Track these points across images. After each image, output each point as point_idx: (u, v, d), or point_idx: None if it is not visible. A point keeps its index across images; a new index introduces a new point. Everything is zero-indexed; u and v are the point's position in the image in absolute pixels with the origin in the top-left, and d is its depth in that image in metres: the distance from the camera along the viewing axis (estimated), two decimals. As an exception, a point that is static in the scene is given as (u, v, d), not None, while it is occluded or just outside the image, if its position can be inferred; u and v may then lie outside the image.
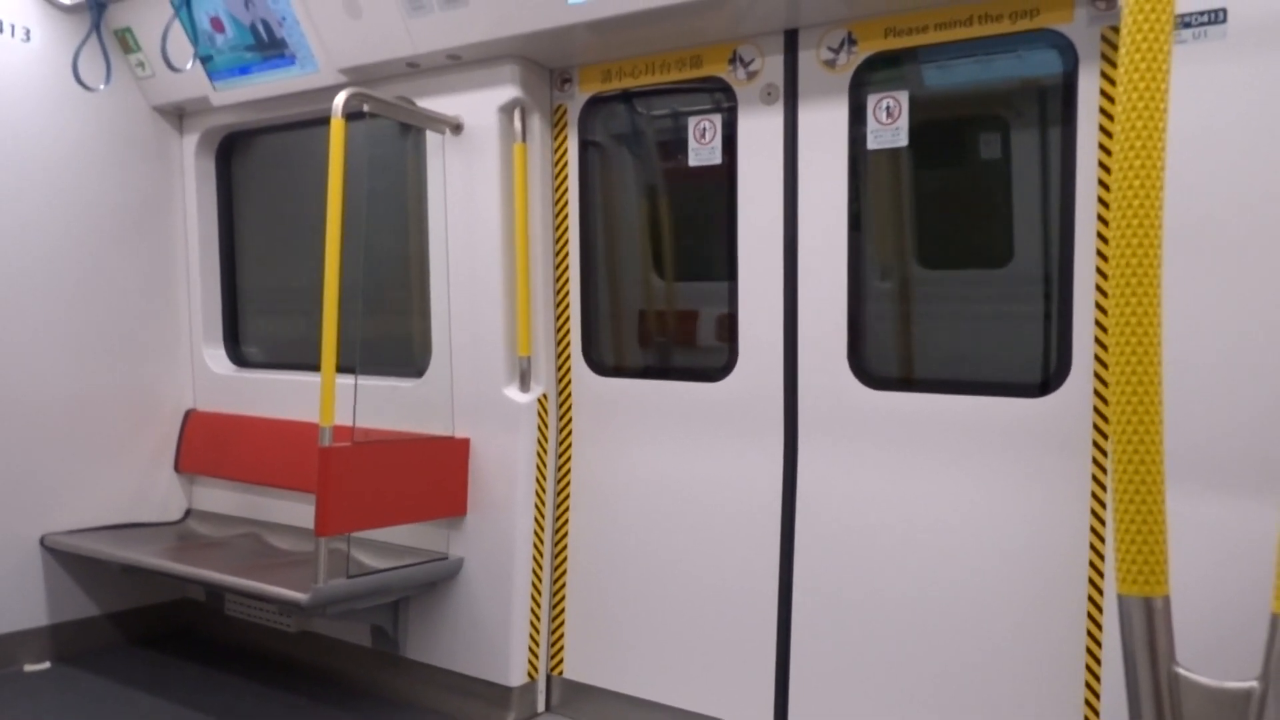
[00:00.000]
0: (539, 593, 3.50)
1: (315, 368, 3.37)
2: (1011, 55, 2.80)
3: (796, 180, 3.06)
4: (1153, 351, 1.69)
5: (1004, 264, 2.90)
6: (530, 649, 3.47)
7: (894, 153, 2.98)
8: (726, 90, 3.20)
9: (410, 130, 3.81)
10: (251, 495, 4.25)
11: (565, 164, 3.55)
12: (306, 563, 3.57)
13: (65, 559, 4.05)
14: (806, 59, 3.04)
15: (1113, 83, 2.55)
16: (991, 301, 2.92)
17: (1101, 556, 2.58)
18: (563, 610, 3.55)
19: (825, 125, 3.00)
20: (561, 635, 3.54)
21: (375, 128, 3.79)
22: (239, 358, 4.53)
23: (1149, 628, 1.75)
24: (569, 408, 3.58)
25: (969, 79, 2.90)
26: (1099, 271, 2.59)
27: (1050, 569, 2.66)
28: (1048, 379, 2.73)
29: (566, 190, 3.56)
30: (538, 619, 3.50)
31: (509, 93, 3.39)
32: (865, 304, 3.03)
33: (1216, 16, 2.23)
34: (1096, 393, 2.60)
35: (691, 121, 3.31)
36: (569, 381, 3.58)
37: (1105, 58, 2.57)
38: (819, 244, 3.02)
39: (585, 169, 3.54)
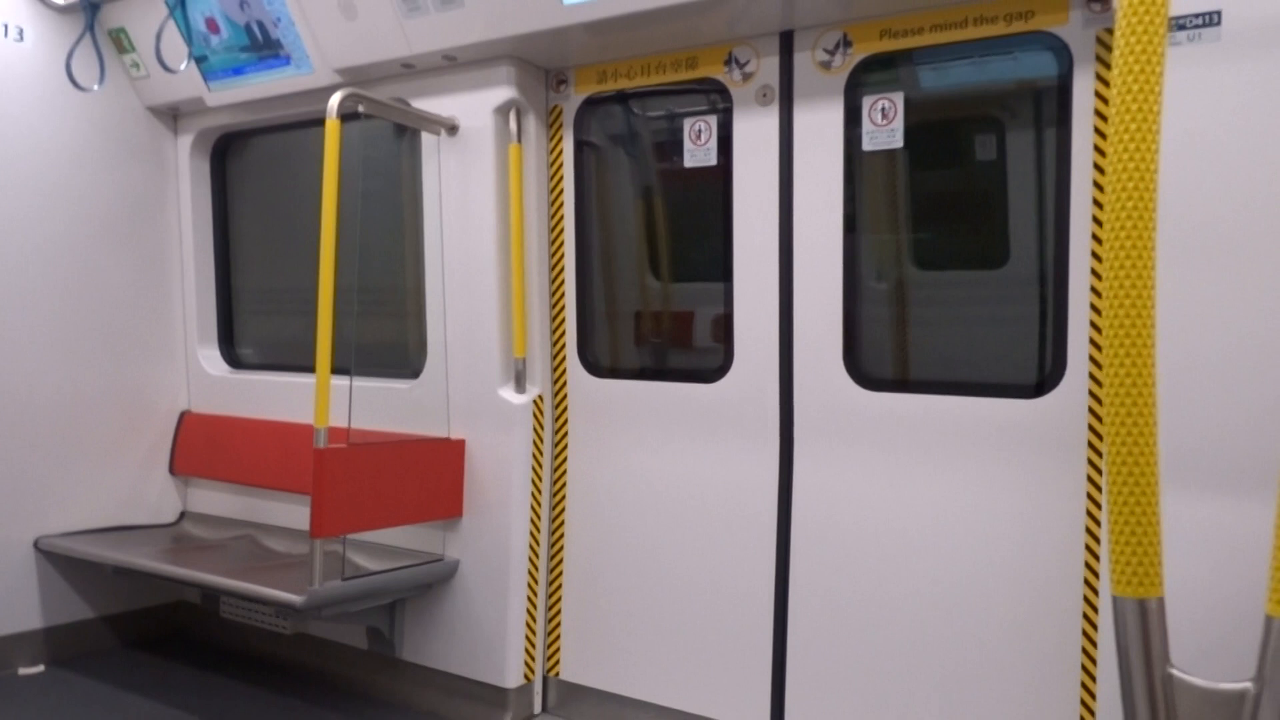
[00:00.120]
0: (535, 594, 3.50)
1: (310, 369, 3.37)
2: (1007, 57, 2.80)
3: (792, 181, 3.06)
4: (1147, 353, 1.69)
5: (999, 265, 2.91)
6: (526, 650, 3.47)
7: (889, 154, 2.98)
8: (722, 91, 3.21)
9: (405, 131, 3.80)
10: (246, 497, 4.24)
11: (561, 165, 3.55)
12: (302, 565, 3.56)
13: (59, 562, 4.03)
14: (802, 60, 3.04)
15: (1107, 85, 2.55)
16: (987, 303, 2.92)
17: (1097, 558, 2.59)
18: (559, 611, 3.55)
19: (821, 127, 3.00)
20: (558, 636, 3.54)
21: (370, 128, 3.79)
22: (234, 359, 4.52)
23: (1144, 629, 1.76)
24: (564, 409, 3.57)
25: (964, 81, 2.90)
26: (1094, 273, 2.60)
27: (1045, 570, 2.66)
28: (1043, 380, 2.73)
29: (562, 191, 3.55)
30: (534, 620, 3.50)
31: (504, 94, 3.39)
32: (861, 305, 3.03)
33: (1211, 19, 2.24)
34: (1091, 394, 2.61)
35: (687, 123, 3.31)
36: (564, 383, 3.57)
37: (1100, 60, 2.58)
38: (814, 245, 3.02)
39: (581, 170, 3.53)
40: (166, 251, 4.44)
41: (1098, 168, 2.58)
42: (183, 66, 3.88)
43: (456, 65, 3.46)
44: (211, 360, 4.47)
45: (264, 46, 3.73)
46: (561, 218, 3.56)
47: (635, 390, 3.42)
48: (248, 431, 4.19)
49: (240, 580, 3.30)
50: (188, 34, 3.87)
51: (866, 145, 2.97)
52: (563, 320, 3.57)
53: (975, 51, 2.83)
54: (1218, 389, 2.26)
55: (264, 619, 4.04)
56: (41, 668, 3.97)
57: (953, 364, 2.97)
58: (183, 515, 4.47)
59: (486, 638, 3.45)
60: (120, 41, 4.15)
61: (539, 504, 3.51)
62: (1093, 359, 2.61)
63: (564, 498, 3.56)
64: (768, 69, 3.10)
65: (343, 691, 3.77)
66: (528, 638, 3.47)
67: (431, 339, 3.63)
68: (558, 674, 3.54)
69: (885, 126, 2.94)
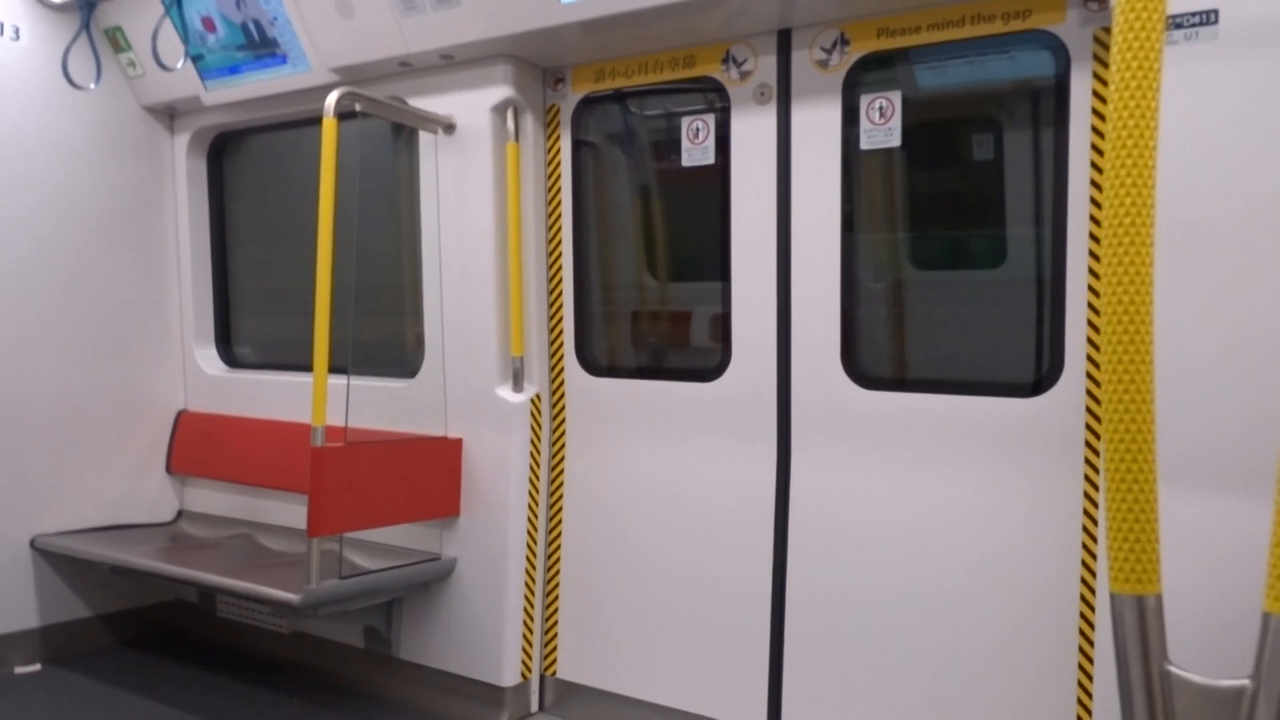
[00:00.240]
0: (532, 593, 3.50)
1: (307, 368, 3.37)
2: (1004, 56, 2.80)
3: (790, 180, 3.06)
4: (1145, 351, 1.69)
5: (997, 264, 2.91)
6: (524, 649, 3.47)
7: (887, 153, 2.98)
8: (720, 90, 3.21)
9: (403, 130, 3.80)
10: (244, 496, 4.24)
11: (558, 164, 3.55)
12: (299, 564, 3.56)
13: (56, 560, 4.03)
14: (800, 59, 3.04)
15: (1105, 84, 2.55)
16: (984, 302, 2.93)
17: (1094, 556, 2.59)
18: (556, 610, 3.55)
19: (818, 125, 3.00)
20: (555, 635, 3.54)
21: (367, 127, 3.78)
22: (231, 358, 4.52)
23: (1141, 626, 1.76)
24: (562, 408, 3.57)
25: (962, 80, 2.91)
26: (1091, 272, 2.60)
27: (1042, 568, 2.67)
28: (1040, 379, 2.74)
29: (559, 190, 3.55)
30: (531, 619, 3.50)
31: (502, 92, 3.38)
32: (858, 304, 3.03)
33: (1208, 18, 2.24)
34: (1089, 393, 2.61)
35: (685, 121, 3.31)
36: (562, 381, 3.57)
37: (1097, 59, 2.58)
38: (812, 244, 3.02)
39: (578, 169, 3.53)
40: (163, 250, 4.43)
41: (1095, 166, 2.59)
42: (179, 65, 3.88)
43: (454, 64, 3.46)
44: (208, 359, 4.47)
45: (260, 45, 3.73)
46: (559, 217, 3.56)
47: (633, 389, 3.42)
48: (245, 430, 4.18)
49: (237, 579, 3.29)
50: (184, 33, 3.86)
51: (864, 144, 2.97)
52: (560, 319, 3.57)
53: (972, 50, 2.83)
54: (1214, 387, 2.27)
55: (261, 618, 4.04)
56: (38, 666, 3.96)
57: (950, 363, 2.98)
58: (180, 514, 4.47)
59: (483, 636, 3.45)
60: (116, 40, 4.15)
61: (536, 503, 3.51)
62: (1090, 358, 2.61)
63: (561, 497, 3.56)
64: (765, 68, 3.10)
65: (339, 690, 3.76)
66: (525, 636, 3.47)
67: (429, 338, 3.63)
68: (554, 673, 3.54)
69: (883, 125, 2.94)
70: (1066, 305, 2.64)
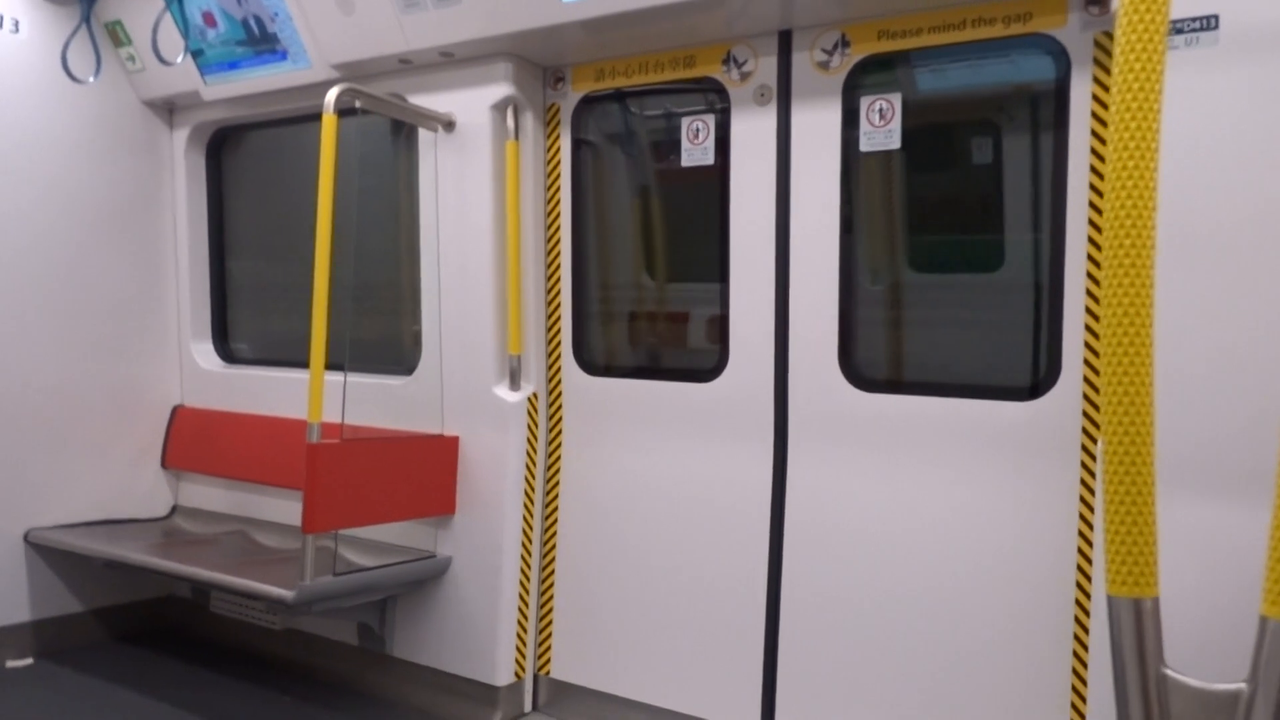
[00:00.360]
0: (527, 592, 3.49)
1: (304, 364, 3.36)
2: (1004, 59, 2.81)
3: (789, 182, 3.06)
4: (1145, 355, 1.69)
5: (995, 268, 2.91)
6: (518, 648, 3.46)
7: (887, 155, 2.99)
8: (720, 91, 3.21)
9: (402, 127, 3.80)
10: (239, 492, 4.23)
11: (558, 163, 3.54)
12: (293, 560, 3.55)
13: (49, 554, 4.01)
14: (800, 60, 3.04)
15: (1105, 88, 2.56)
16: (982, 305, 2.93)
17: (1090, 559, 2.59)
18: (550, 610, 3.54)
19: (818, 127, 3.00)
20: (549, 635, 3.54)
21: (367, 124, 3.78)
22: (227, 354, 4.51)
23: (1138, 629, 1.76)
24: (559, 407, 3.57)
25: (962, 82, 2.91)
26: (1090, 276, 2.61)
27: (1038, 571, 2.67)
28: (1038, 383, 2.74)
29: (559, 189, 3.55)
30: (525, 618, 3.49)
31: (502, 90, 3.38)
32: (856, 306, 3.03)
33: (1209, 23, 2.25)
34: (1086, 397, 2.62)
35: (685, 122, 3.31)
36: (559, 381, 3.57)
37: (1098, 63, 2.58)
38: (811, 246, 3.03)
39: (577, 168, 3.53)
40: (161, 245, 4.42)
41: (1094, 171, 2.59)
42: (179, 60, 3.87)
43: (454, 61, 3.46)
44: (205, 355, 4.46)
45: (261, 41, 3.72)
46: (558, 215, 3.56)
47: (630, 389, 3.41)
48: (240, 426, 4.17)
49: (231, 575, 3.29)
50: (184, 27, 3.86)
51: (864, 146, 2.97)
52: (558, 318, 3.57)
53: (973, 53, 2.84)
54: (1215, 390, 2.27)
55: (255, 614, 4.03)
56: (30, 660, 3.95)
57: (948, 366, 2.98)
58: (174, 509, 4.45)
59: (477, 635, 3.44)
60: (116, 34, 4.14)
61: (532, 502, 3.50)
62: (1088, 362, 2.61)
63: (557, 496, 3.55)
64: (766, 69, 3.10)
65: (333, 687, 3.75)
66: (519, 635, 3.47)
67: (426, 335, 3.62)
68: (548, 672, 3.53)
69: (883, 128, 2.94)
70: (1064, 309, 2.65)
